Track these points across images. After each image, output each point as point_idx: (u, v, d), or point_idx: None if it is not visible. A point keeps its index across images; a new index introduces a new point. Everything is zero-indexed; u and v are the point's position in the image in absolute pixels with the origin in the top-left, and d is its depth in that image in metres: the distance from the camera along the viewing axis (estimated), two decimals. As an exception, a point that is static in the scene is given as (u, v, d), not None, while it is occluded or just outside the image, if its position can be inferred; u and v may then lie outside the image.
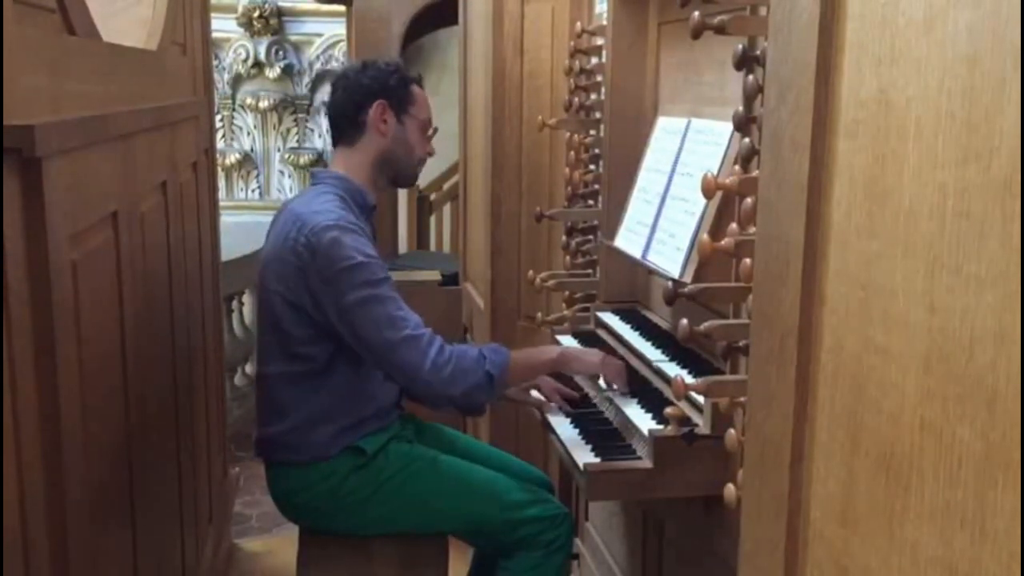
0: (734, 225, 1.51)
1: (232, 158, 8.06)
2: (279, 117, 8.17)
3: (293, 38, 8.06)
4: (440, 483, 2.29)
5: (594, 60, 2.58)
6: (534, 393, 2.30)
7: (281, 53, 8.02)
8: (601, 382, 2.19)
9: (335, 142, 2.41)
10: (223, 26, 7.46)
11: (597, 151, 2.56)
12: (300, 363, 2.24)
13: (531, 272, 2.64)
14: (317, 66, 8.07)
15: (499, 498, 2.29)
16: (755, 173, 1.42)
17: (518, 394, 2.31)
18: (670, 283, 1.69)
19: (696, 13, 1.59)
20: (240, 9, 7.79)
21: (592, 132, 2.59)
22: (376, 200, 2.40)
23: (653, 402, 2.01)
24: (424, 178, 6.34)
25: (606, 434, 2.03)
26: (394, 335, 2.12)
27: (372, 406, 2.29)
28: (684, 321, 1.61)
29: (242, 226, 5.52)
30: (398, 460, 2.29)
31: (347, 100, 2.36)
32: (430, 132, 2.44)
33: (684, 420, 1.81)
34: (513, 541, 2.27)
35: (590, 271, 2.61)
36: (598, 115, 2.55)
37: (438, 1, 5.41)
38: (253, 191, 8.27)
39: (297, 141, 8.23)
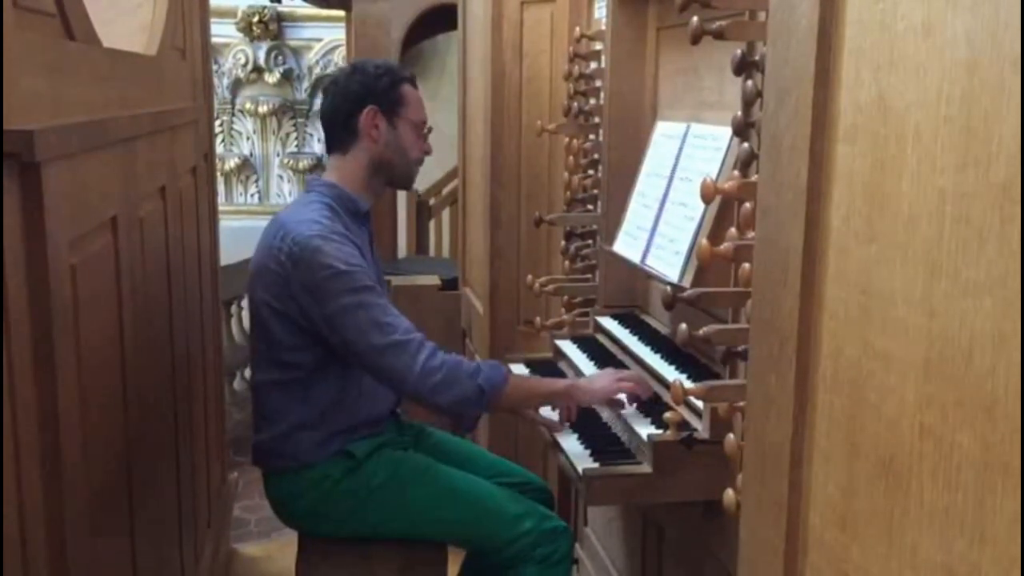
0: (733, 230, 1.52)
1: (231, 163, 8.07)
2: (278, 122, 8.18)
3: (292, 43, 8.08)
4: (433, 492, 2.28)
5: (593, 65, 2.58)
6: (544, 411, 2.20)
7: (280, 58, 8.04)
8: (623, 398, 2.08)
9: (329, 149, 2.39)
10: (223, 31, 7.47)
11: (596, 156, 2.56)
12: (288, 370, 2.24)
13: (530, 277, 2.64)
14: (316, 71, 8.08)
15: (493, 511, 2.27)
16: (754, 178, 1.43)
17: (528, 412, 2.20)
18: (669, 288, 1.69)
19: (695, 18, 1.59)
20: (240, 14, 7.80)
21: (591, 137, 2.59)
22: (371, 205, 2.39)
23: (652, 407, 2.01)
24: (423, 183, 6.39)
25: (605, 439, 2.03)
26: (380, 340, 2.10)
27: (362, 414, 2.29)
28: (683, 326, 1.61)
29: (241, 231, 5.51)
30: (390, 465, 2.28)
31: (338, 107, 2.33)
32: (425, 131, 2.42)
33: (683, 425, 1.81)
34: (509, 555, 2.24)
35: (589, 276, 2.61)
36: (597, 120, 2.55)
37: (437, 6, 5.43)
38: (252, 196, 8.27)
39: (296, 146, 8.23)
